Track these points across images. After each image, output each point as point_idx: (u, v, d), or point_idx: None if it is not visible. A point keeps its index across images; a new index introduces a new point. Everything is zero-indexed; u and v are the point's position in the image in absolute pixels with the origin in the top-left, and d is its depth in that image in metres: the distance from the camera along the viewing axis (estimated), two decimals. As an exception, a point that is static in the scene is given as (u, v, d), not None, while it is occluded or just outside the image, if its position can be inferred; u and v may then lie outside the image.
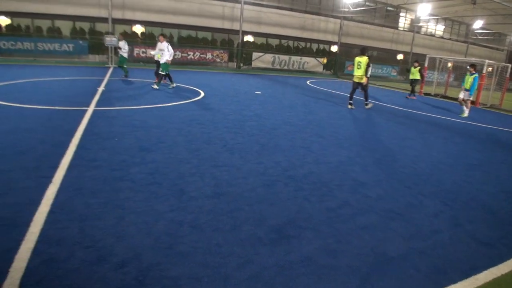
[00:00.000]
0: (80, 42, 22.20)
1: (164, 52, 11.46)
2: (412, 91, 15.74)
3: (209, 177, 4.09)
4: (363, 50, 10.31)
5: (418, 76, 15.70)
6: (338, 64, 28.75)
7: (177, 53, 23.59)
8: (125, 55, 14.57)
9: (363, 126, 8.32)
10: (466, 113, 11.34)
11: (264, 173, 4.35)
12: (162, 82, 11.86)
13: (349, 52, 33.42)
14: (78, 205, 3.23)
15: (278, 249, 2.78)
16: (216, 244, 2.77)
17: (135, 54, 22.10)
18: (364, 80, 10.26)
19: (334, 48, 31.25)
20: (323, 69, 28.49)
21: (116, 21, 23.60)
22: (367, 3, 30.34)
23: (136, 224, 2.96)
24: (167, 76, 11.74)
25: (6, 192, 3.40)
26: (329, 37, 31.34)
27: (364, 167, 4.98)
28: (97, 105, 8.03)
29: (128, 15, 24.57)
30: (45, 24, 23.64)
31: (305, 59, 27.40)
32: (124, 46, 14.59)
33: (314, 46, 31.57)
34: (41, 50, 21.28)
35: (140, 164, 4.37)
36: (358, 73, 10.30)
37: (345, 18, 30.16)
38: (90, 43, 22.45)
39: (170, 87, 11.80)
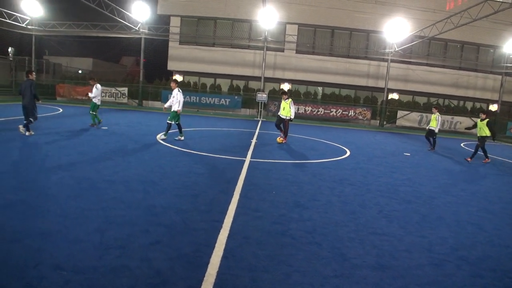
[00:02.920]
0: (235, 97, 25.11)
1: (174, 100, 10.23)
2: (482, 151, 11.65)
3: (369, 245, 3.92)
4: None
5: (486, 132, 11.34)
6: (498, 126, 25.27)
7: (320, 109, 24.42)
8: (96, 100, 11.88)
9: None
10: None
11: (430, 250, 3.95)
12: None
13: (513, 111, 29.27)
14: (247, 254, 3.46)
15: None
16: (387, 324, 2.58)
17: (280, 109, 23.71)
18: None
19: (494, 107, 27.75)
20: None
21: (267, 79, 26.02)
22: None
23: (303, 284, 2.99)
24: (178, 126, 10.43)
25: (186, 231, 3.89)
26: (487, 95, 28.14)
27: (559, 259, 4.08)
28: (252, 156, 8.76)
29: (278, 74, 26.88)
30: (208, 81, 27.68)
31: (458, 118, 24.98)
32: (95, 90, 11.85)
33: (469, 105, 28.66)
34: (204, 103, 24.80)
35: (298, 220, 4.50)
36: None
37: (507, 74, 26.77)
38: (243, 98, 25.19)
39: (177, 138, 10.47)
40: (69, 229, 3.66)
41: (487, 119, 11.39)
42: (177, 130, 10.54)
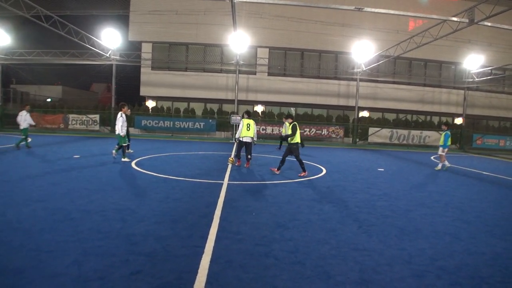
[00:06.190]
0: (210, 120, 25.13)
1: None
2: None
3: (352, 260, 3.97)
4: None
5: None
6: (464, 138, 26.42)
7: (294, 129, 24.74)
8: (25, 125, 13.01)
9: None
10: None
11: (410, 262, 4.04)
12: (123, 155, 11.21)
13: (476, 124, 30.71)
14: (231, 278, 3.42)
15: None
16: None
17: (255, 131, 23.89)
18: None
19: (459, 121, 29.06)
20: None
21: (240, 102, 26.28)
22: (493, 71, 28.15)
23: (289, 305, 2.99)
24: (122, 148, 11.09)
25: (168, 258, 3.81)
26: (452, 109, 29.51)
27: (531, 263, 4.25)
28: (230, 178, 8.74)
29: (251, 97, 27.22)
30: (182, 106, 27.64)
31: (426, 133, 25.94)
32: (25, 116, 13.04)
33: (435, 119, 29.88)
34: (178, 127, 24.68)
35: (280, 241, 4.50)
36: None
37: (469, 89, 28.23)
38: (218, 121, 25.23)
39: (113, 153, 11.12)
40: (45, 264, 3.51)
41: (294, 122, 9.87)
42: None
